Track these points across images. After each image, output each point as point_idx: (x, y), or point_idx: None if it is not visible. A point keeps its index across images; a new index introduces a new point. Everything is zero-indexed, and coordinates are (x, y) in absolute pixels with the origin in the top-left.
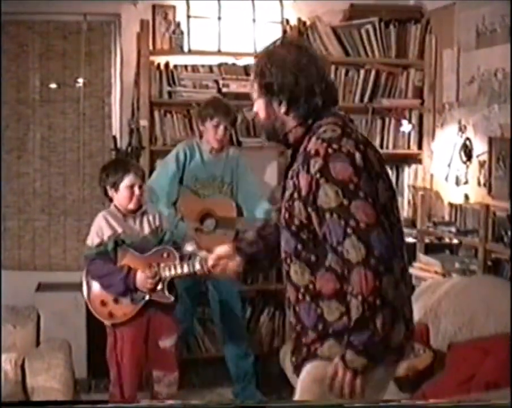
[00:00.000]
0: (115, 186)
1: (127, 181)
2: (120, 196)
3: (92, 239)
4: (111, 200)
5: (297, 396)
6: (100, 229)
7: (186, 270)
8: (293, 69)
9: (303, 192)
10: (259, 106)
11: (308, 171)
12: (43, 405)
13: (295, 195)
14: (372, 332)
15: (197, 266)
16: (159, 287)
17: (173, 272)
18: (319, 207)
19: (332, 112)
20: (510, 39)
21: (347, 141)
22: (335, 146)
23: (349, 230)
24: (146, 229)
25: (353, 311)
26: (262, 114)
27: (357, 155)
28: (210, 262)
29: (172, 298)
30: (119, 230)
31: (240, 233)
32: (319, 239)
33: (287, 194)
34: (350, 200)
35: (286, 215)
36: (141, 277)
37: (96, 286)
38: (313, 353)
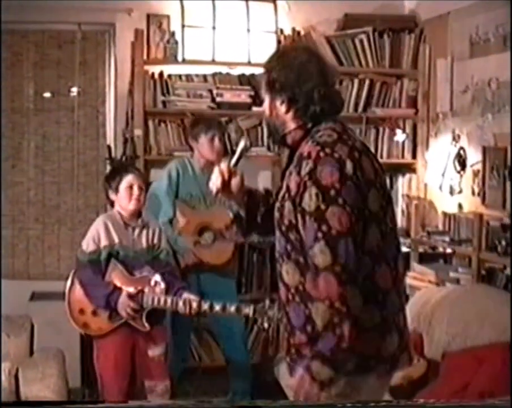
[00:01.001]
0: (116, 189)
1: (125, 181)
2: (120, 197)
3: (88, 244)
4: (113, 205)
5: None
6: (97, 235)
7: (168, 304)
8: (297, 70)
9: (293, 193)
10: (264, 103)
11: (299, 173)
12: (43, 405)
13: (286, 196)
14: (339, 338)
15: (180, 304)
16: (138, 314)
17: (155, 303)
18: (303, 209)
19: (332, 119)
20: (510, 45)
21: (341, 147)
22: (327, 150)
23: (319, 235)
24: (144, 243)
25: (319, 318)
26: (267, 111)
27: (348, 162)
28: (218, 180)
29: (148, 328)
30: (116, 240)
31: None
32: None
33: (280, 194)
34: (327, 206)
35: (278, 215)
36: (123, 301)
37: (79, 292)
38: (302, 356)
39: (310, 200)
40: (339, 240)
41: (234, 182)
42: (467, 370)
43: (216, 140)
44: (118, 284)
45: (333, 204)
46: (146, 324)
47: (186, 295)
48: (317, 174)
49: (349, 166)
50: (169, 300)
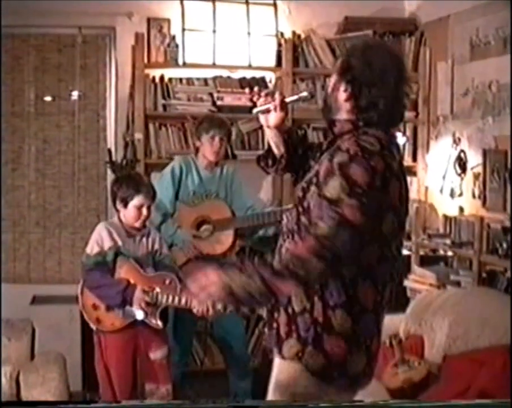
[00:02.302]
0: (124, 202)
1: (136, 200)
2: (128, 214)
3: (92, 248)
4: (118, 211)
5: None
6: (100, 238)
7: (183, 303)
8: (372, 71)
9: (320, 179)
10: (331, 79)
11: (331, 160)
12: (42, 405)
13: (314, 179)
14: (280, 291)
15: (195, 303)
16: (152, 310)
17: (170, 301)
18: (321, 193)
19: (384, 128)
20: (510, 48)
21: (378, 160)
22: (365, 155)
23: (330, 214)
24: (145, 249)
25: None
26: (329, 88)
27: (378, 176)
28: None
29: (161, 326)
30: (120, 243)
31: None
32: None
33: (308, 175)
34: (349, 197)
35: (300, 194)
36: (139, 295)
37: None
38: (281, 339)
39: (333, 188)
40: (345, 227)
41: (280, 115)
42: (468, 373)
43: (216, 140)
44: (131, 280)
45: (354, 198)
46: (159, 323)
47: None
48: (349, 168)
49: (377, 180)
50: (183, 299)
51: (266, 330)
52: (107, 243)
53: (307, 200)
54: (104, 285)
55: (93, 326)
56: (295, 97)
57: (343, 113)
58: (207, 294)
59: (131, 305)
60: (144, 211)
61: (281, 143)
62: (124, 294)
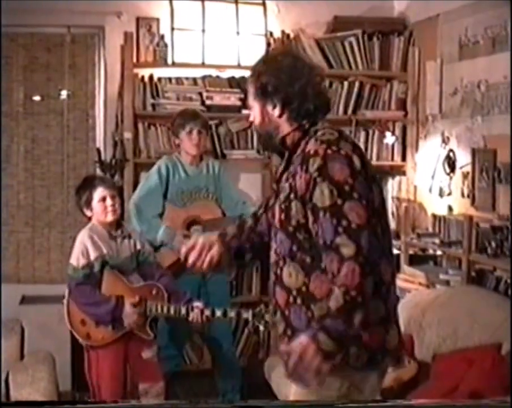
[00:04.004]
0: (88, 205)
1: (96, 195)
2: (96, 213)
3: (77, 260)
4: (90, 219)
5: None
6: (85, 249)
7: (172, 312)
8: (287, 72)
9: (301, 192)
10: (254, 111)
11: (307, 170)
12: (42, 405)
13: (292, 196)
14: (349, 325)
15: (183, 311)
16: (141, 322)
17: (159, 311)
18: (314, 205)
19: (325, 119)
20: (510, 44)
21: (345, 144)
22: (333, 148)
23: (340, 229)
24: (127, 252)
25: (332, 301)
26: (257, 119)
27: (355, 158)
28: (182, 250)
29: (152, 336)
30: (104, 250)
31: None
32: (314, 240)
33: (282, 196)
34: (344, 201)
35: (282, 216)
36: (128, 311)
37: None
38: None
39: (321, 195)
40: (360, 233)
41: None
42: (457, 371)
43: (194, 133)
44: (118, 293)
45: (349, 199)
46: (150, 333)
47: (196, 304)
48: (328, 170)
49: (356, 161)
50: (172, 308)
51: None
52: (93, 253)
53: (294, 218)
54: (93, 303)
55: (83, 342)
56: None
57: (284, 127)
58: (303, 363)
59: (121, 323)
60: (108, 201)
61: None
62: (113, 314)
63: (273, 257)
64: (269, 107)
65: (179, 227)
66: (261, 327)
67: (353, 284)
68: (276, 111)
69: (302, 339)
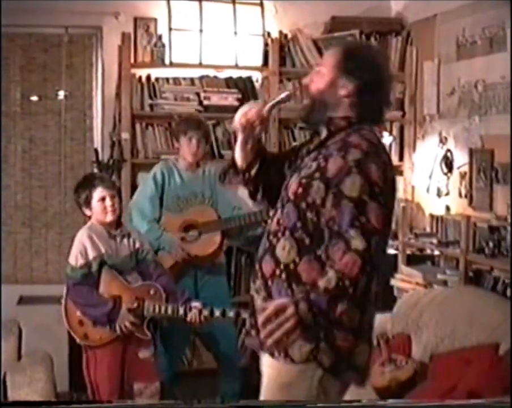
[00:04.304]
0: (87, 204)
1: (96, 195)
2: (95, 212)
3: (76, 259)
4: (89, 218)
5: (261, 397)
6: (84, 248)
7: (169, 312)
8: (372, 69)
9: (330, 174)
10: (321, 77)
11: (344, 157)
12: (42, 405)
13: (317, 174)
14: (330, 309)
15: (181, 312)
16: (139, 322)
17: (156, 312)
18: (341, 192)
19: (370, 125)
20: (510, 44)
21: (383, 152)
22: (374, 149)
23: (356, 223)
24: (127, 250)
25: (323, 281)
26: (321, 85)
27: (388, 168)
28: (242, 118)
29: (149, 336)
30: (103, 250)
31: None
32: (320, 226)
33: (305, 171)
34: (370, 199)
35: (300, 190)
36: (123, 314)
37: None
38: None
39: (352, 186)
40: (373, 235)
41: (259, 129)
42: (455, 371)
43: (194, 142)
44: (116, 293)
45: (375, 200)
46: (148, 333)
47: (194, 304)
48: (365, 165)
49: (389, 171)
50: (169, 308)
51: (253, 333)
52: (91, 253)
53: (311, 196)
54: (90, 304)
55: (81, 342)
56: (275, 101)
57: (340, 109)
58: (277, 321)
59: (116, 324)
60: (108, 201)
61: (251, 152)
62: (109, 316)
63: (273, 226)
64: (345, 82)
65: (176, 232)
66: None
67: (350, 275)
68: (344, 91)
69: (283, 300)
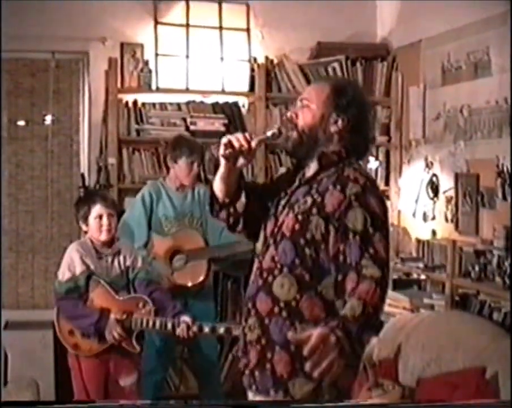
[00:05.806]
0: (85, 219)
1: (94, 212)
2: (91, 228)
3: (63, 273)
4: (85, 232)
5: None
6: (72, 263)
7: (157, 326)
8: (360, 105)
9: (328, 209)
10: (308, 112)
11: (342, 191)
12: (42, 405)
13: (314, 210)
14: (360, 335)
15: (169, 326)
16: (126, 336)
17: (144, 325)
18: (345, 226)
19: (358, 159)
20: (510, 62)
21: (376, 185)
22: (372, 183)
23: (366, 255)
24: (117, 270)
25: (348, 310)
26: (310, 121)
27: (384, 200)
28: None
29: (138, 349)
30: (92, 266)
31: None
32: (319, 262)
33: (299, 207)
34: (375, 231)
35: (297, 226)
36: (110, 325)
37: None
38: (281, 381)
39: (355, 220)
40: (384, 264)
41: (243, 161)
42: (442, 396)
43: (195, 166)
44: (104, 305)
45: (379, 231)
46: (136, 346)
47: (183, 318)
48: (365, 199)
49: (385, 203)
50: (157, 322)
51: (246, 371)
52: (79, 268)
53: (310, 231)
54: (77, 316)
55: (71, 351)
56: (264, 136)
57: (332, 144)
58: (320, 352)
59: (104, 335)
60: (105, 220)
61: (234, 184)
62: (96, 327)
63: (267, 263)
64: (336, 118)
65: (163, 256)
66: None
67: (372, 302)
68: (335, 127)
69: (321, 329)
